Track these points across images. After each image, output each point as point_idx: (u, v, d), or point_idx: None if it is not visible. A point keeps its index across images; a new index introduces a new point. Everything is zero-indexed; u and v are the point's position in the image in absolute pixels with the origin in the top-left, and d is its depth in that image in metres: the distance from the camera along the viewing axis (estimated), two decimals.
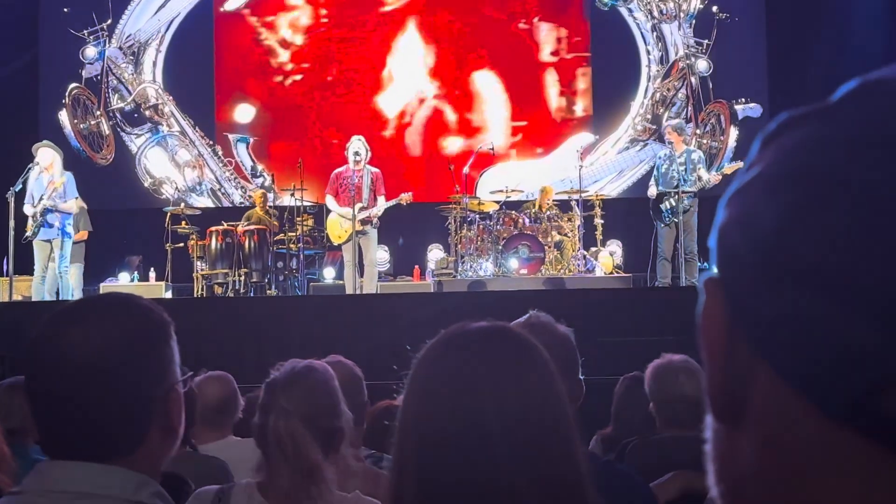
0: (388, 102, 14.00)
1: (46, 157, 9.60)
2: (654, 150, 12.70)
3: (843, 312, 0.47)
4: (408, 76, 14.01)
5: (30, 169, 9.67)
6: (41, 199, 9.44)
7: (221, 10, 14.07)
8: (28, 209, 9.49)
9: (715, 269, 0.55)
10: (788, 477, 0.50)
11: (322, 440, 2.19)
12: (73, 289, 9.94)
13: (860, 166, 0.49)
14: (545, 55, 14.03)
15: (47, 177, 9.53)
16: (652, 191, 9.89)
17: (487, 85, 13.98)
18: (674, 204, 9.70)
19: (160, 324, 1.43)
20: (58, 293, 9.54)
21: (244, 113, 14.01)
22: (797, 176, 0.51)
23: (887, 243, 0.47)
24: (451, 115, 13.99)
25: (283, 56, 14.06)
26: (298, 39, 14.11)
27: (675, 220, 9.69)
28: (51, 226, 9.48)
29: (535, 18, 14.00)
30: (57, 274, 9.48)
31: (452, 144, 13.80)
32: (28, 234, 9.48)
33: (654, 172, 10.10)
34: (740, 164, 10.05)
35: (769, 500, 0.51)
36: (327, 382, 2.28)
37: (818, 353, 0.48)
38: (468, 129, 13.83)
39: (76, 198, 9.75)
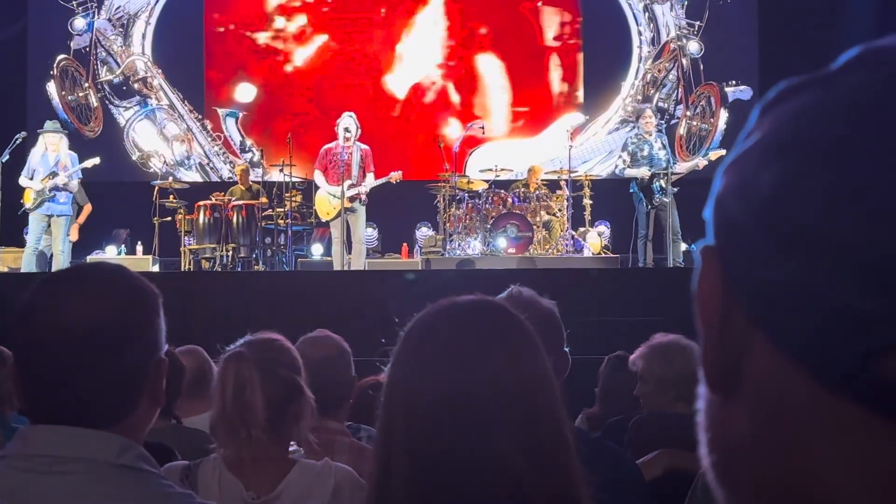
0: (382, 80, 13.94)
1: (54, 139, 9.83)
2: (634, 131, 12.70)
3: (841, 278, 0.47)
4: (405, 55, 13.96)
5: (16, 141, 9.72)
6: (51, 174, 9.58)
7: None
8: (35, 183, 9.59)
9: (711, 238, 0.55)
10: (783, 445, 0.51)
11: (280, 391, 2.14)
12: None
13: (859, 131, 0.48)
14: (548, 39, 13.98)
15: (54, 156, 9.67)
16: (643, 171, 9.84)
17: (488, 68, 13.94)
18: (663, 186, 9.73)
19: (152, 295, 1.44)
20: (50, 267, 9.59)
21: (233, 87, 13.93)
22: (795, 142, 0.50)
23: (885, 209, 0.47)
24: (449, 97, 13.95)
25: (276, 27, 13.98)
26: (292, 13, 14.02)
27: (666, 200, 9.71)
28: (59, 202, 9.69)
29: (538, 3, 13.95)
30: (59, 251, 9.57)
31: (449, 126, 13.76)
32: (28, 205, 9.57)
33: (630, 154, 10.03)
34: (722, 151, 10.10)
35: (763, 468, 0.52)
36: (283, 343, 2.25)
37: (815, 319, 0.48)
38: (467, 113, 13.77)
39: (79, 178, 10.01)
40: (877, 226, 0.47)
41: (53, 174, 9.58)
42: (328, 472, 2.15)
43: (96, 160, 9.89)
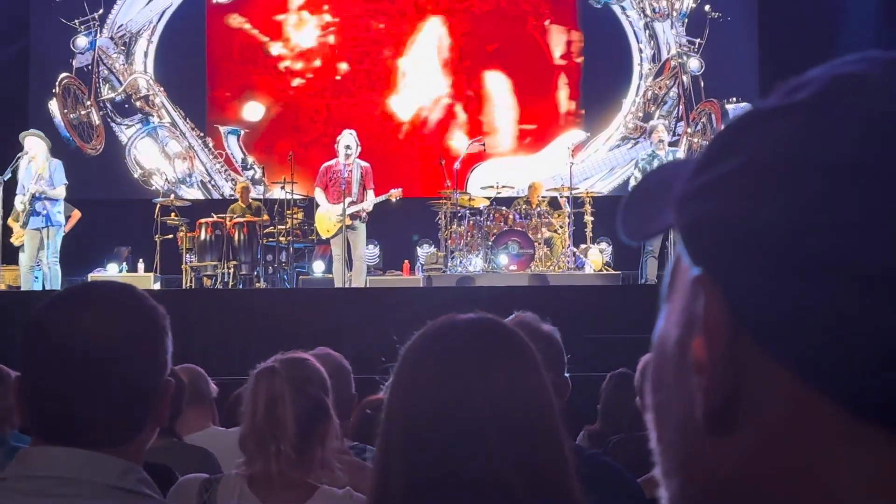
0: (386, 98, 13.98)
1: (32, 146, 9.61)
2: (646, 148, 12.71)
3: (881, 308, 0.46)
4: (410, 72, 14.01)
5: (19, 158, 9.69)
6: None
7: (214, 1, 14.02)
8: (17, 201, 9.50)
9: (693, 267, 0.52)
10: (798, 475, 0.49)
11: (308, 410, 2.15)
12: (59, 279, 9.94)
13: (873, 154, 0.48)
14: (556, 58, 14.02)
15: (35, 165, 9.52)
16: None
17: (495, 86, 13.97)
18: None
19: (161, 316, 1.44)
20: (43, 284, 9.52)
21: (236, 105, 13.96)
22: (806, 165, 0.49)
23: None
24: (454, 114, 13.98)
25: (277, 48, 14.02)
26: (292, 31, 14.07)
27: None
28: (38, 214, 9.47)
29: (545, 21, 13.99)
30: (45, 264, 9.46)
31: (453, 143, 13.78)
32: (20, 223, 9.49)
33: (641, 172, 10.03)
34: None
35: (768, 499, 0.51)
36: (314, 363, 2.27)
37: (849, 348, 0.47)
38: (471, 130, 13.78)
39: (65, 184, 9.73)
40: None
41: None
42: (349, 501, 2.14)
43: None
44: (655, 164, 9.90)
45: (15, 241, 9.72)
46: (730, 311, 0.50)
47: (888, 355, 0.46)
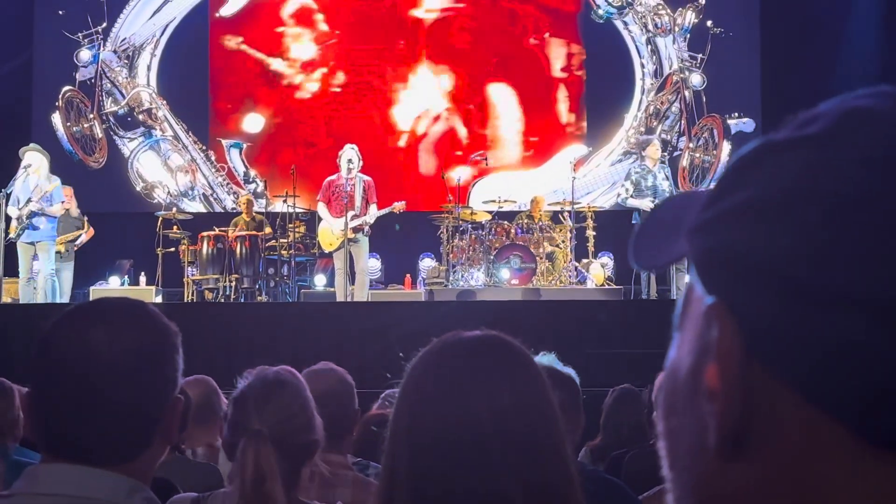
0: (389, 112, 14.01)
1: (34, 161, 9.63)
2: (639, 163, 12.73)
3: (887, 336, 0.48)
4: (404, 87, 14.04)
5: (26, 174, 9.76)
6: (28, 201, 9.45)
7: (217, 15, 14.07)
8: (12, 211, 9.49)
9: (707, 296, 0.54)
10: (812, 500, 0.51)
11: (296, 456, 2.12)
12: (63, 291, 9.95)
13: (884, 188, 0.49)
14: (556, 70, 14.05)
15: (34, 180, 9.54)
16: (646, 203, 9.78)
17: (498, 100, 14.00)
18: None
19: (173, 333, 1.44)
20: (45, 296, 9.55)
21: (239, 118, 13.99)
22: (815, 198, 0.51)
23: None
24: (456, 128, 14.00)
25: (279, 62, 14.06)
26: (294, 45, 14.11)
27: None
28: (36, 228, 9.51)
29: (545, 34, 14.03)
30: (45, 277, 9.49)
31: (455, 157, 13.80)
32: (12, 235, 9.48)
33: (633, 184, 9.97)
34: None
35: None
36: (300, 394, 2.18)
37: (859, 376, 0.48)
38: (474, 144, 13.80)
39: (62, 202, 9.79)
40: None
41: (29, 200, 9.45)
42: None
43: (57, 182, 9.70)
44: (649, 179, 9.88)
45: (11, 233, 9.67)
46: (743, 339, 0.52)
47: (894, 381, 0.48)
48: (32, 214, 9.45)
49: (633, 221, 9.96)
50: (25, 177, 9.59)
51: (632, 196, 9.89)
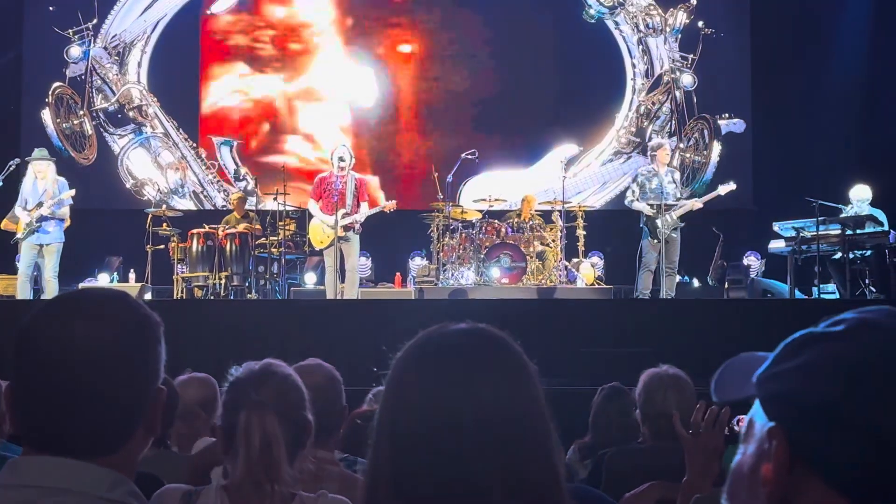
0: (375, 110, 14.00)
1: (41, 168, 9.80)
2: (638, 163, 12.75)
3: (870, 451, 0.85)
4: (402, 83, 14.03)
5: (10, 167, 9.81)
6: (38, 204, 9.61)
7: (208, 12, 14.04)
8: (23, 214, 9.65)
9: (767, 420, 0.91)
10: None
11: (294, 434, 2.15)
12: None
13: (880, 368, 0.86)
14: (551, 70, 14.07)
15: (42, 185, 9.70)
16: (644, 206, 9.74)
17: (489, 96, 14.01)
18: (671, 220, 9.66)
19: (155, 323, 1.43)
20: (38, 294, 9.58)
21: (228, 116, 13.97)
22: (837, 370, 0.87)
23: None
24: (448, 125, 14.01)
25: (269, 59, 14.03)
26: (289, 40, 14.08)
27: (668, 234, 9.64)
28: (46, 232, 9.68)
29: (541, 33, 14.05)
30: (49, 279, 9.56)
31: (445, 155, 13.80)
32: (19, 235, 9.61)
33: (639, 186, 9.94)
34: (727, 188, 10.00)
35: None
36: (292, 377, 2.24)
37: (866, 475, 0.85)
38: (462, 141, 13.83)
39: (70, 204, 9.92)
40: None
41: (40, 204, 9.63)
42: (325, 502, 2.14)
43: (72, 192, 9.85)
44: (655, 181, 9.80)
45: (18, 230, 9.76)
46: (791, 448, 0.88)
47: (885, 481, 0.84)
48: (42, 218, 9.60)
49: (641, 224, 9.85)
50: (34, 180, 9.76)
51: (637, 199, 9.84)
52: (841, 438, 0.85)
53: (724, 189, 10.17)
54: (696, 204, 9.87)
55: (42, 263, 9.72)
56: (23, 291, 9.64)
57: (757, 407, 0.94)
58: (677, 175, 9.96)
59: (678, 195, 9.83)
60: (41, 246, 9.68)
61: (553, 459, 1.12)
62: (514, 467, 1.07)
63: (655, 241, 9.68)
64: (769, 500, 0.89)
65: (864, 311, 0.92)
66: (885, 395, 0.85)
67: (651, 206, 9.68)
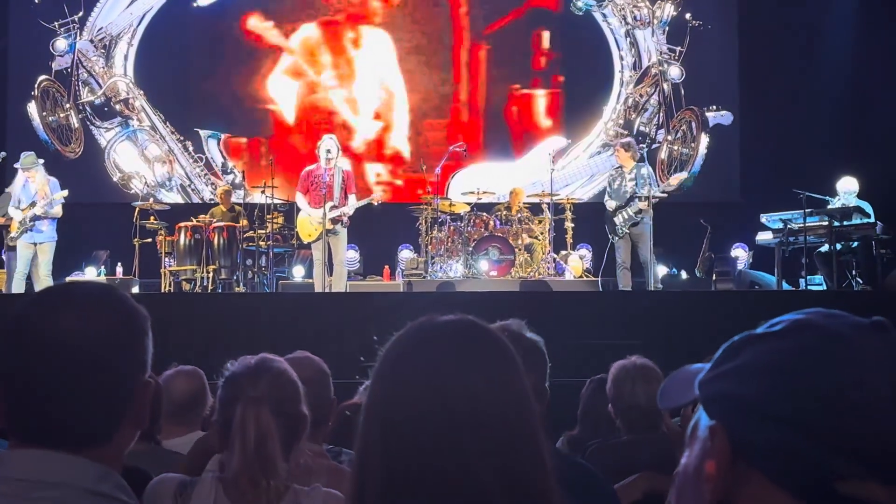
0: (363, 102, 13.98)
1: (30, 172, 9.92)
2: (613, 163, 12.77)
3: (815, 445, 0.89)
4: (384, 77, 14.01)
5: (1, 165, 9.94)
6: (31, 204, 9.75)
7: (195, 4, 13.98)
8: (16, 213, 9.79)
9: (709, 419, 0.96)
10: None
11: (289, 428, 2.16)
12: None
13: (806, 362, 0.91)
14: (537, 64, 14.08)
15: (34, 185, 9.84)
16: (610, 203, 9.90)
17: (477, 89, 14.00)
18: (626, 217, 9.73)
19: (142, 316, 1.42)
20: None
21: (216, 109, 13.92)
22: (770, 368, 0.93)
23: (822, 408, 0.89)
24: (436, 119, 13.99)
25: (259, 51, 13.99)
26: (275, 35, 14.05)
27: (627, 232, 9.73)
28: (40, 231, 9.80)
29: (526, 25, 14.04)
30: (43, 277, 9.60)
31: (431, 149, 13.79)
32: (13, 234, 9.69)
33: (608, 185, 10.11)
34: (683, 175, 10.23)
35: None
36: (287, 371, 2.25)
37: (800, 465, 0.89)
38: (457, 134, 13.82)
39: (62, 203, 10.01)
40: (828, 413, 0.89)
41: (33, 204, 9.77)
42: (318, 498, 2.15)
43: (65, 192, 9.91)
44: (618, 181, 9.93)
45: (12, 231, 9.85)
46: (731, 444, 0.93)
47: (823, 468, 0.89)
48: (35, 217, 9.73)
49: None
50: (25, 180, 9.91)
51: (608, 197, 9.99)
52: (774, 432, 0.90)
53: (675, 179, 10.35)
54: (674, 180, 10.19)
55: (36, 262, 9.76)
56: (17, 286, 9.67)
57: (700, 410, 0.98)
58: (645, 170, 9.90)
59: (651, 191, 9.77)
60: (35, 245, 9.76)
61: (541, 448, 1.13)
62: (504, 455, 1.08)
63: (618, 238, 9.80)
64: (713, 495, 0.93)
65: (802, 312, 0.96)
66: (812, 387, 0.89)
67: (623, 205, 9.77)
